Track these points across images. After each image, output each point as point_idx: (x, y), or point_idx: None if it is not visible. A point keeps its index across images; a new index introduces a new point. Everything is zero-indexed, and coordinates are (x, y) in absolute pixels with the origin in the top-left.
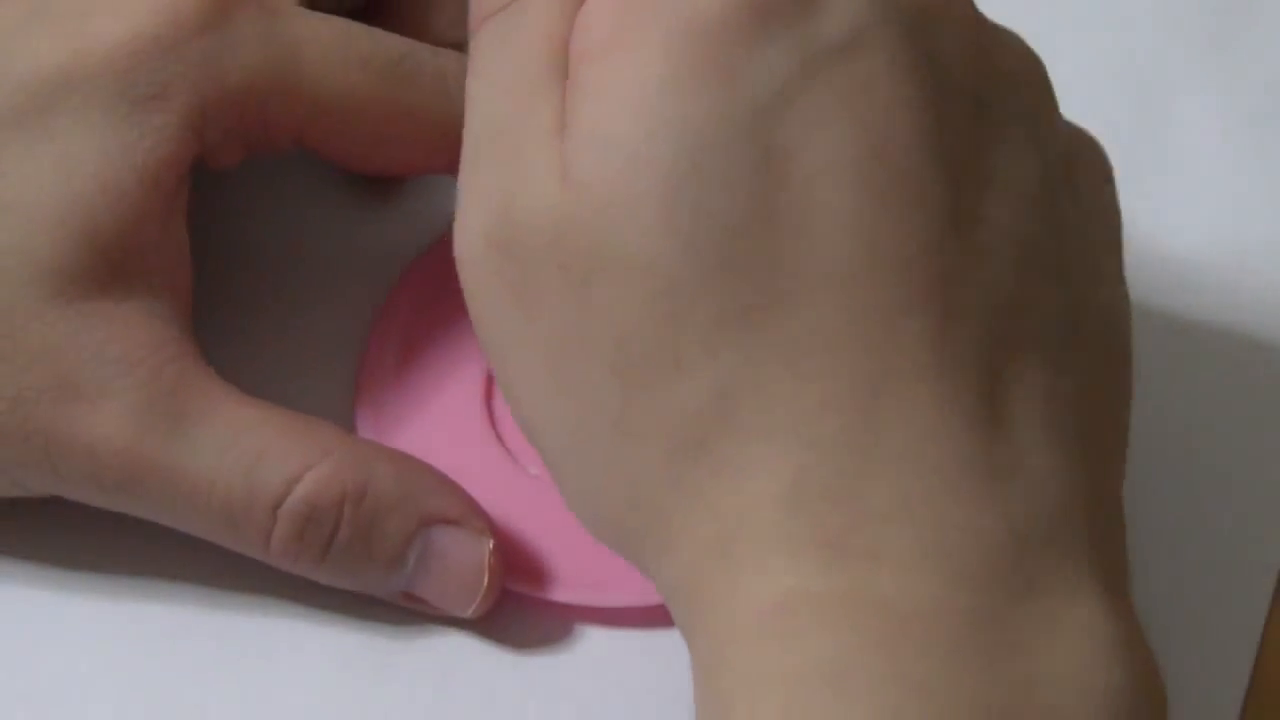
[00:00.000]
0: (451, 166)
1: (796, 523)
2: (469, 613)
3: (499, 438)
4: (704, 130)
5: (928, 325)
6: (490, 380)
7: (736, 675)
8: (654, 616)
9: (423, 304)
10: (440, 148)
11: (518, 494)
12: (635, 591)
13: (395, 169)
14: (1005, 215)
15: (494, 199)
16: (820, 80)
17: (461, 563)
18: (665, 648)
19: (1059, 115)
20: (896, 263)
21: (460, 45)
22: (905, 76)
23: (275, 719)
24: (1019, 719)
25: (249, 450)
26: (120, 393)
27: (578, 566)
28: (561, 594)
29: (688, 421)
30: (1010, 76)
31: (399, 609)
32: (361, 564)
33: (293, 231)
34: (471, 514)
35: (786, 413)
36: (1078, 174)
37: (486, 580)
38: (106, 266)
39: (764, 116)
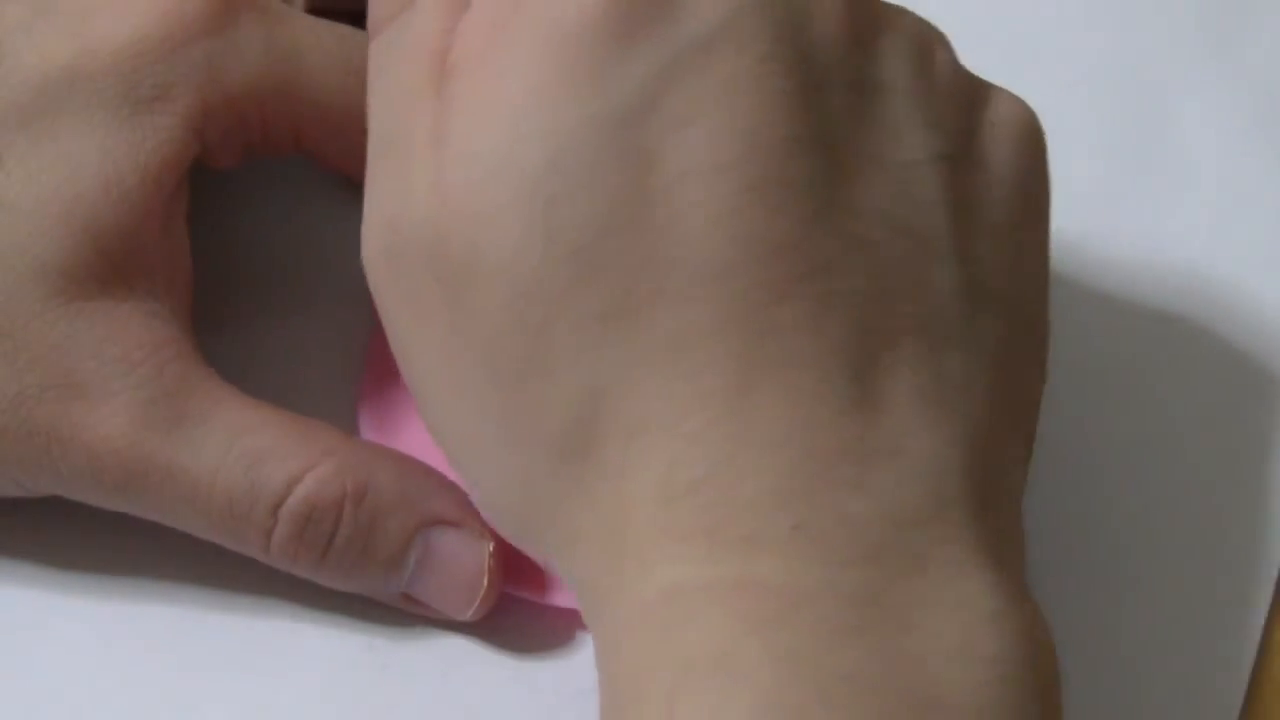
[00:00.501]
0: None
1: (673, 516)
2: (468, 615)
3: None
4: (567, 140)
5: (800, 314)
6: None
7: (627, 665)
8: None
9: None
10: None
11: None
12: None
13: None
14: (887, 200)
15: (383, 209)
16: (683, 81)
17: (461, 565)
18: None
19: (968, 85)
20: (767, 254)
21: None
22: (775, 69)
23: (275, 719)
24: (897, 690)
25: (250, 450)
26: (121, 392)
27: None
28: (560, 598)
29: (565, 425)
30: (897, 54)
31: (398, 611)
32: (361, 565)
33: (294, 232)
34: (472, 516)
35: (658, 411)
36: (989, 143)
37: (486, 583)
38: (108, 266)
39: (627, 122)
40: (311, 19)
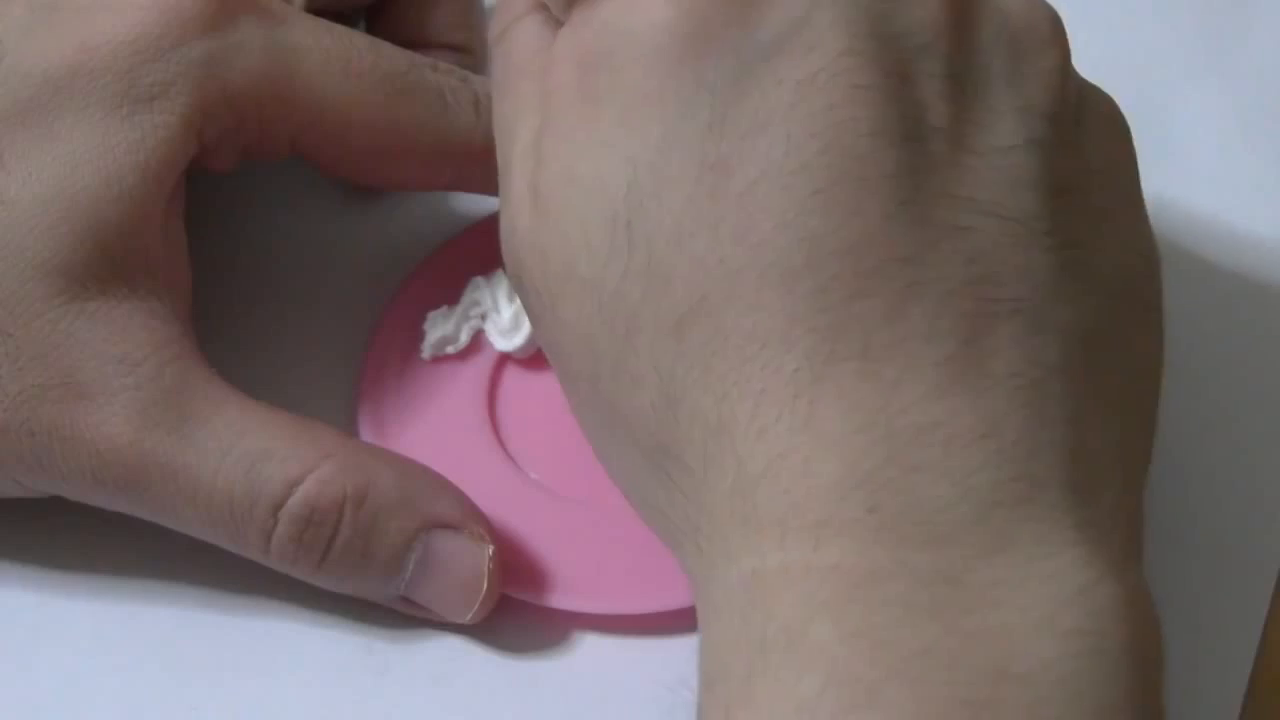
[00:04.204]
0: (446, 184)
1: (748, 507)
2: (467, 619)
3: (500, 442)
4: (650, 158)
5: (878, 307)
6: (493, 385)
7: (713, 647)
8: (651, 623)
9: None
10: (436, 165)
11: (518, 499)
12: (633, 599)
13: (389, 183)
14: (982, 186)
15: (504, 220)
16: (757, 86)
17: (461, 569)
18: (661, 654)
19: (1069, 73)
20: (839, 253)
21: (456, 47)
22: (853, 64)
23: None
24: (974, 664)
25: (251, 451)
26: (122, 392)
27: (576, 573)
28: (560, 600)
29: (649, 427)
30: (994, 42)
31: (398, 612)
32: (360, 567)
33: (295, 234)
34: (472, 519)
35: (730, 410)
36: (1085, 131)
37: (485, 586)
38: (108, 264)
39: (703, 134)
40: (311, 19)
